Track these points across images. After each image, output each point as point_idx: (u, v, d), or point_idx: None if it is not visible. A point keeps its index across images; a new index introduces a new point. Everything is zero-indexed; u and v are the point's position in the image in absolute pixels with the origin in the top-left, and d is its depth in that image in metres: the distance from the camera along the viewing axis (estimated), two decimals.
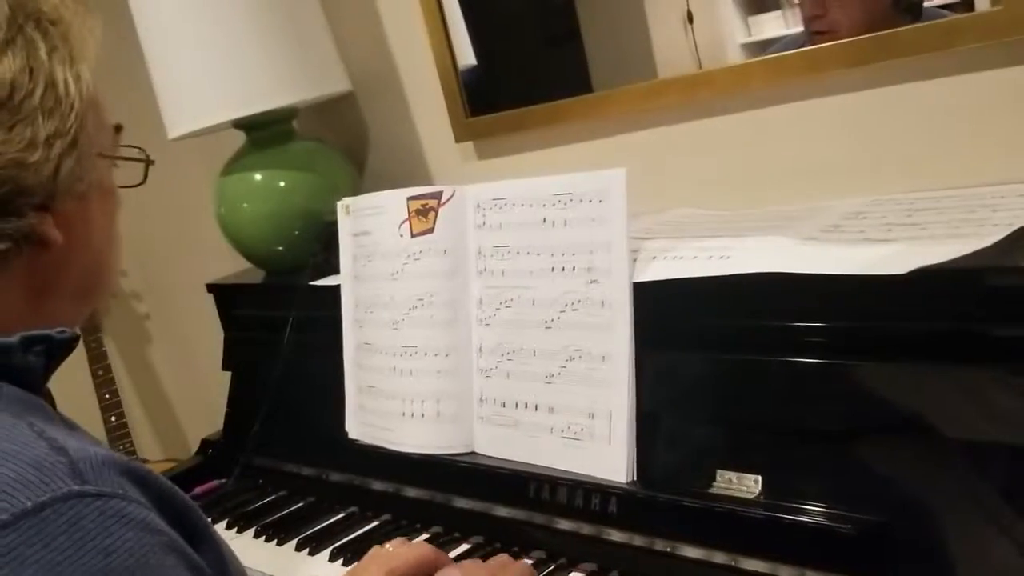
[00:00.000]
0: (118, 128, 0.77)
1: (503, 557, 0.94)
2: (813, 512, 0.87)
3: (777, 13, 1.20)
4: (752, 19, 1.21)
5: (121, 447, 2.20)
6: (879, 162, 1.16)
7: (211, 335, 1.66)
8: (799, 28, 1.17)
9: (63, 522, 0.52)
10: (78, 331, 0.71)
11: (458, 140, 1.52)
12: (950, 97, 1.09)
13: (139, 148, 0.80)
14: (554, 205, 1.06)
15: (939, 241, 0.88)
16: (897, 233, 0.94)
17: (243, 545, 1.28)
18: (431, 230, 1.17)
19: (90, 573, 0.52)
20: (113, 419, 2.20)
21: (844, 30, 1.12)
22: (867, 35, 1.10)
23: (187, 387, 2.39)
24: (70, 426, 0.64)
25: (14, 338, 0.64)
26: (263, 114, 1.46)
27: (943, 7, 1.07)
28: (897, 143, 1.14)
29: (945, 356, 0.82)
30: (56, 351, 0.67)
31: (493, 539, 1.12)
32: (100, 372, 2.20)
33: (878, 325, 0.87)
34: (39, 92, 0.64)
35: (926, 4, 1.07)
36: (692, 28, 1.24)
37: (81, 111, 0.67)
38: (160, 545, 0.57)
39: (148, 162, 0.82)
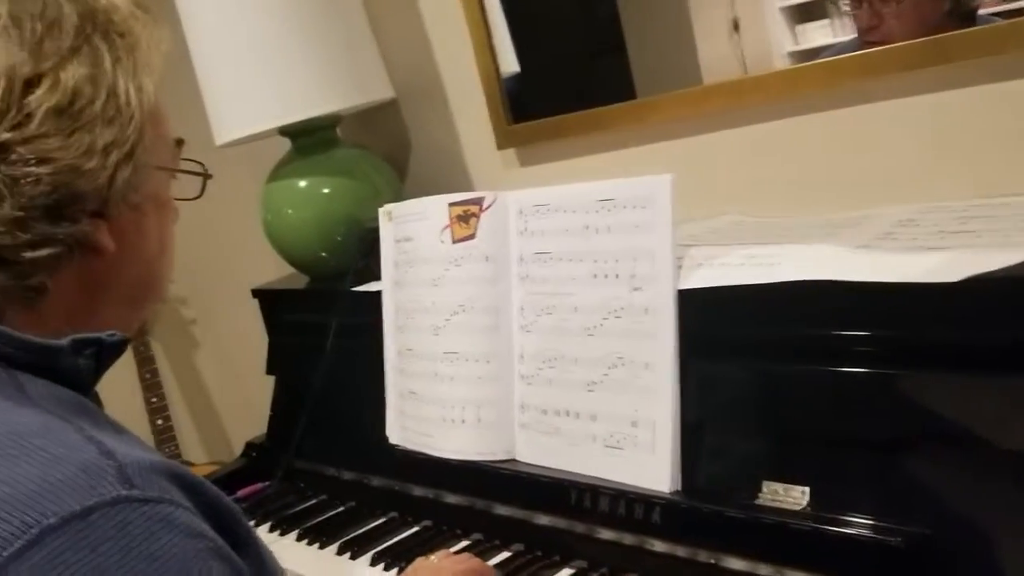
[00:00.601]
0: (179, 142, 0.78)
1: None
2: (861, 524, 0.85)
3: (825, 22, 1.18)
4: (799, 28, 1.20)
5: (167, 450, 2.24)
6: (931, 169, 1.13)
7: (256, 340, 1.68)
8: (847, 37, 1.16)
9: (110, 527, 0.53)
10: (128, 335, 0.72)
11: (500, 147, 1.52)
12: (1005, 103, 1.06)
13: (198, 162, 0.81)
14: (597, 211, 1.06)
15: (993, 249, 0.86)
16: (950, 241, 0.92)
17: (285, 548, 1.29)
18: (472, 236, 1.17)
19: None
20: (159, 422, 2.24)
21: (899, 40, 1.10)
22: (921, 39, 1.08)
23: (232, 391, 2.42)
24: (118, 429, 0.64)
25: (65, 341, 0.65)
26: (308, 121, 1.47)
27: (996, 15, 1.05)
28: (950, 149, 1.11)
29: (998, 366, 0.80)
30: (106, 354, 0.68)
31: (534, 547, 1.11)
32: (147, 376, 2.23)
33: (930, 334, 0.85)
34: (100, 101, 0.65)
35: (980, 11, 1.05)
36: (739, 36, 1.23)
37: (140, 123, 0.68)
38: (205, 551, 0.57)
39: (206, 176, 0.82)
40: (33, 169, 0.62)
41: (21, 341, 0.63)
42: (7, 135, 0.62)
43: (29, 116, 0.62)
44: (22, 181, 0.62)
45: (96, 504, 0.53)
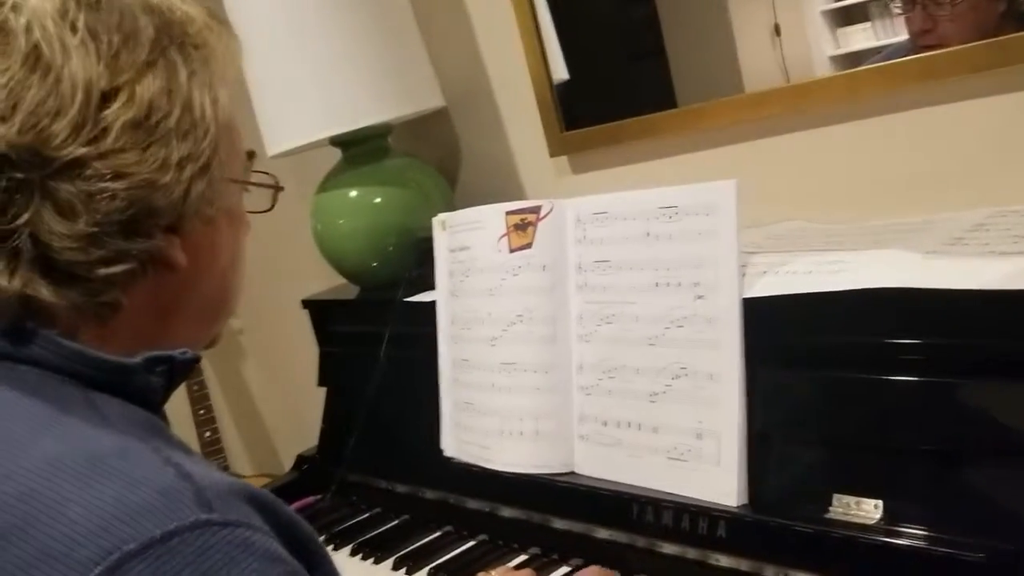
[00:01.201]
0: (251, 154, 0.77)
1: None
2: (939, 539, 0.82)
3: (866, 25, 1.16)
4: (840, 31, 1.18)
5: (215, 462, 2.24)
6: (995, 172, 1.10)
7: (305, 351, 1.68)
8: (889, 40, 1.13)
9: (190, 552, 0.52)
10: (199, 352, 0.71)
11: (552, 154, 1.50)
12: None
13: (269, 174, 0.80)
14: (658, 219, 1.04)
15: None
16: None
17: (340, 562, 1.25)
18: (530, 245, 1.16)
19: None
20: (207, 434, 2.24)
21: (953, 43, 1.08)
22: (980, 42, 1.06)
23: (280, 403, 2.42)
24: (187, 450, 0.63)
25: (138, 359, 0.64)
26: (360, 131, 1.47)
27: None
28: (1014, 152, 1.08)
29: None
30: (177, 372, 0.67)
31: (594, 561, 1.09)
32: (195, 388, 2.24)
33: (1008, 343, 0.82)
34: (176, 114, 0.65)
35: None
36: (780, 41, 1.21)
37: (215, 136, 0.67)
38: (283, 574, 0.56)
39: (277, 188, 0.82)
40: (109, 184, 0.61)
41: (95, 360, 0.63)
42: (83, 150, 0.61)
43: (105, 130, 0.62)
44: (97, 196, 0.61)
45: (176, 529, 0.52)
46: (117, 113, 0.62)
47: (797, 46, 1.21)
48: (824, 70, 1.19)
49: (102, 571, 0.50)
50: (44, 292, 0.61)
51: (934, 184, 1.15)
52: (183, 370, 0.68)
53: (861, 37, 1.16)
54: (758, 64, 1.24)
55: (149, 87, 0.63)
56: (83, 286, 0.62)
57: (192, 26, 0.68)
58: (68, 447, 0.56)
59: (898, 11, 1.13)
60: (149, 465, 0.56)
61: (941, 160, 1.14)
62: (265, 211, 0.80)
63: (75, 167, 0.61)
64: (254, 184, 0.77)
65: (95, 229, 0.61)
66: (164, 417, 0.69)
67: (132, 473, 0.54)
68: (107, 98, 0.62)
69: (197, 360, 0.69)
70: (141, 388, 0.64)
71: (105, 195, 0.61)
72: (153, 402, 0.66)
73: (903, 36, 1.13)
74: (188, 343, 0.69)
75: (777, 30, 1.21)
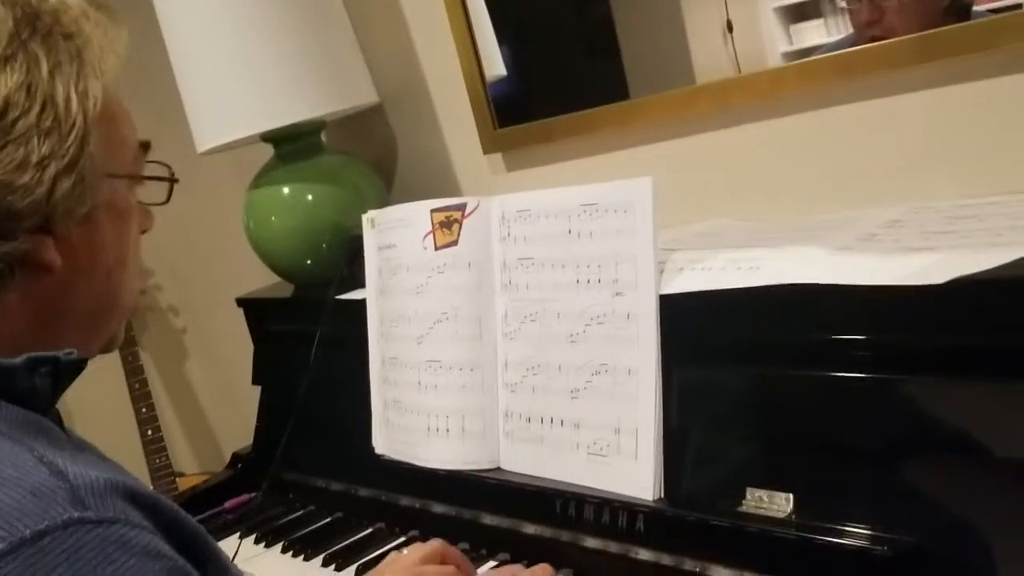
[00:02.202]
0: (145, 145, 0.74)
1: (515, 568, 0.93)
2: (848, 533, 0.84)
3: (819, 21, 1.17)
4: (793, 27, 1.19)
5: (157, 460, 2.22)
6: (918, 169, 1.12)
7: (245, 349, 1.66)
8: (841, 35, 1.14)
9: (62, 551, 0.51)
10: (89, 354, 0.69)
11: (486, 151, 1.50)
12: (995, 100, 1.05)
13: (164, 165, 0.77)
14: (579, 216, 1.04)
15: (980, 250, 0.84)
16: (936, 242, 0.91)
17: (270, 560, 1.28)
18: (455, 243, 1.16)
19: None
20: (149, 432, 2.22)
21: (900, 35, 1.08)
22: (906, 36, 1.07)
23: (223, 401, 2.40)
24: (79, 447, 0.63)
25: (19, 360, 0.63)
26: (291, 127, 1.46)
27: (992, 11, 1.03)
28: (936, 149, 1.10)
29: (985, 370, 0.79)
30: (63, 373, 0.66)
31: (520, 556, 1.10)
32: (137, 386, 2.22)
33: (914, 338, 0.84)
34: (35, 111, 0.61)
35: (974, 8, 1.04)
36: (732, 38, 1.22)
37: (83, 131, 0.64)
38: (164, 571, 0.56)
39: (172, 180, 0.78)
40: None
41: None
42: None
43: None
44: None
45: (47, 528, 0.51)
46: None
47: (750, 42, 1.21)
48: (776, 66, 1.19)
49: None
50: None
51: (861, 181, 1.16)
52: (69, 371, 0.66)
53: (814, 33, 1.17)
54: (710, 61, 1.24)
55: (4, 83, 0.61)
56: None
57: (66, 15, 0.65)
58: None
59: (844, 3, 1.14)
60: (22, 465, 0.55)
61: (867, 157, 1.15)
62: (161, 203, 0.77)
63: None
64: (142, 177, 0.73)
65: None
66: (57, 416, 0.68)
67: (3, 473, 0.54)
68: None
69: (83, 361, 0.67)
70: (24, 390, 0.63)
71: None
72: (40, 403, 0.64)
73: (851, 30, 1.14)
74: (78, 345, 0.68)
75: (729, 26, 1.22)
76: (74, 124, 0.63)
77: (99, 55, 0.66)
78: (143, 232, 0.76)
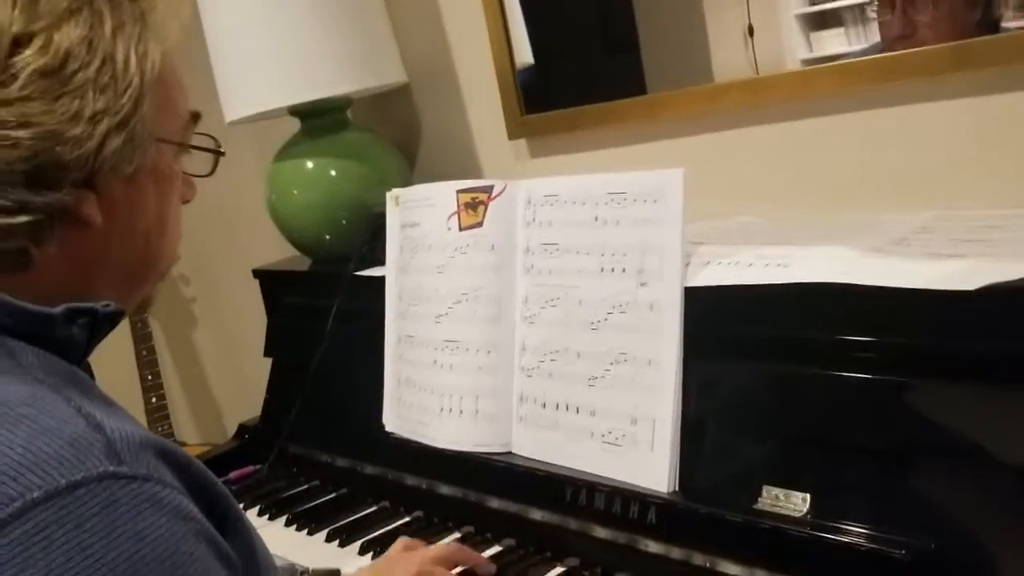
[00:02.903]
0: (195, 116, 0.75)
1: None
2: (864, 535, 0.84)
3: (840, 30, 1.17)
4: (814, 35, 1.19)
5: (160, 428, 2.22)
6: (949, 176, 1.11)
7: (255, 321, 1.66)
8: (862, 45, 1.14)
9: (96, 503, 0.51)
10: (125, 308, 0.70)
11: (511, 137, 1.50)
12: None
13: (212, 137, 0.78)
14: (607, 204, 1.04)
15: (1010, 259, 0.84)
16: (965, 249, 0.90)
17: (274, 532, 1.27)
18: (480, 224, 1.16)
19: (121, 558, 0.51)
20: (154, 400, 2.22)
21: (930, 42, 1.08)
22: (940, 45, 1.06)
23: (228, 372, 2.40)
24: (108, 403, 0.62)
25: (58, 309, 0.63)
26: (319, 102, 1.46)
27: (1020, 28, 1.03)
28: (967, 158, 1.10)
29: (1007, 377, 0.79)
30: (100, 325, 0.66)
31: (526, 543, 1.10)
32: (144, 352, 2.22)
33: (941, 343, 0.84)
34: (95, 66, 0.62)
35: (1002, 24, 1.03)
36: (752, 42, 1.22)
37: (139, 91, 0.64)
38: (192, 532, 0.56)
39: (218, 153, 0.78)
40: (11, 132, 0.59)
41: (13, 306, 0.61)
42: None
43: (13, 76, 0.59)
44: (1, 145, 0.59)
45: (83, 479, 0.51)
46: (28, 60, 0.60)
47: (770, 47, 1.21)
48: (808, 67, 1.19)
49: (5, 517, 0.49)
50: None
51: (887, 186, 1.16)
52: (106, 323, 0.66)
53: (834, 42, 1.17)
54: (730, 63, 1.24)
55: (68, 35, 0.61)
56: None
57: None
58: None
59: (874, 14, 1.13)
60: (60, 415, 0.55)
61: (895, 162, 1.15)
62: (206, 175, 0.77)
63: None
64: (190, 146, 0.74)
65: None
66: (88, 370, 0.68)
67: (41, 421, 0.54)
68: (19, 44, 0.60)
69: (121, 313, 0.68)
70: (61, 339, 0.63)
71: (7, 143, 0.59)
72: (75, 354, 0.64)
73: (875, 40, 1.13)
74: (113, 301, 0.68)
75: (751, 30, 1.22)
76: (130, 84, 0.64)
77: (162, 20, 0.67)
78: (185, 202, 0.76)
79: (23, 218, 0.61)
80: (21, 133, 0.59)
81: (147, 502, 0.53)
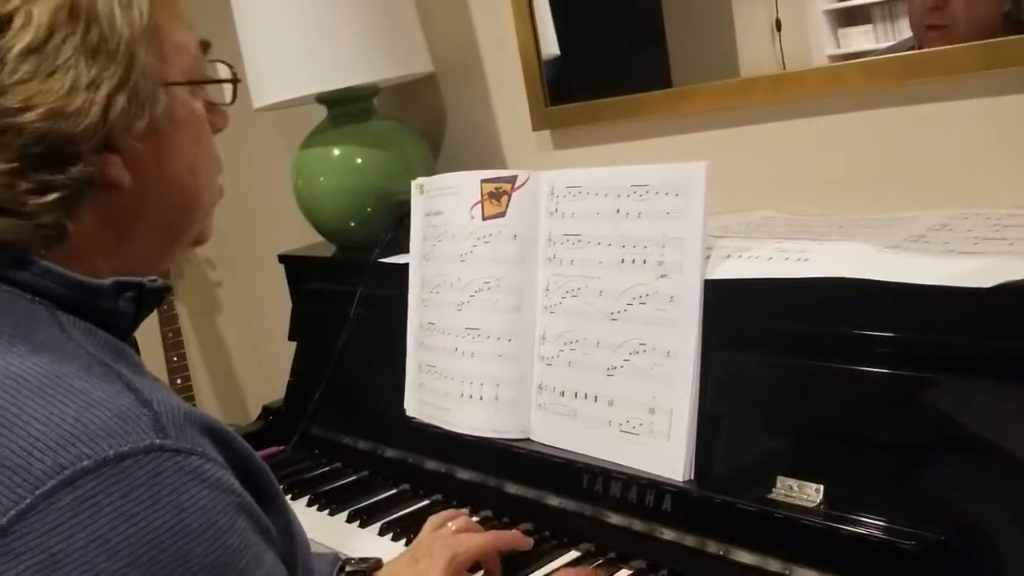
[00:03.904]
0: (204, 45, 0.72)
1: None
2: (875, 525, 0.85)
3: (868, 27, 1.17)
4: (842, 31, 1.19)
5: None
6: (968, 175, 1.12)
7: (279, 306, 1.69)
8: (888, 43, 1.14)
9: (143, 474, 0.53)
10: (167, 267, 0.71)
11: (536, 128, 1.51)
12: None
13: (226, 64, 0.75)
14: (629, 196, 1.05)
15: None
16: (984, 247, 0.91)
17: (296, 511, 1.29)
18: (503, 214, 1.17)
19: (164, 528, 0.53)
20: (179, 381, 2.26)
21: (961, 27, 1.07)
22: (965, 44, 1.07)
23: (252, 355, 2.44)
24: (153, 378, 0.64)
25: (107, 281, 0.64)
26: (346, 90, 1.48)
27: None
28: (988, 157, 1.10)
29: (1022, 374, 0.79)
30: (146, 300, 0.67)
31: (542, 528, 1.12)
32: (170, 335, 2.25)
33: (957, 339, 0.84)
34: (80, 32, 0.60)
35: None
36: (780, 37, 1.22)
37: (131, 45, 0.62)
38: (233, 506, 0.57)
39: (235, 81, 0.75)
40: (14, 120, 0.58)
41: (63, 276, 0.62)
42: None
43: (2, 62, 0.58)
44: (8, 133, 0.58)
45: (130, 451, 0.53)
46: (12, 41, 0.58)
47: (797, 43, 1.22)
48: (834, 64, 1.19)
49: (56, 484, 0.51)
50: None
51: (908, 183, 1.16)
52: (152, 298, 0.67)
53: (862, 39, 1.17)
54: (757, 59, 1.25)
55: (46, 7, 0.59)
56: (19, 216, 0.60)
57: None
58: (32, 364, 0.57)
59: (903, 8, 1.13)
60: (110, 388, 0.56)
61: (917, 160, 1.15)
62: (228, 104, 0.75)
63: None
64: (201, 82, 0.71)
65: (15, 164, 0.59)
66: (134, 345, 0.69)
67: (92, 394, 0.55)
68: (0, 27, 0.58)
69: (167, 289, 0.69)
70: (109, 312, 0.64)
71: (13, 130, 0.58)
72: (121, 328, 0.65)
73: (904, 37, 1.14)
74: (158, 256, 0.69)
75: (778, 25, 1.22)
76: (121, 40, 0.61)
77: None
78: (217, 131, 0.74)
79: (52, 196, 0.60)
80: (25, 118, 0.58)
81: (190, 474, 0.55)
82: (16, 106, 0.58)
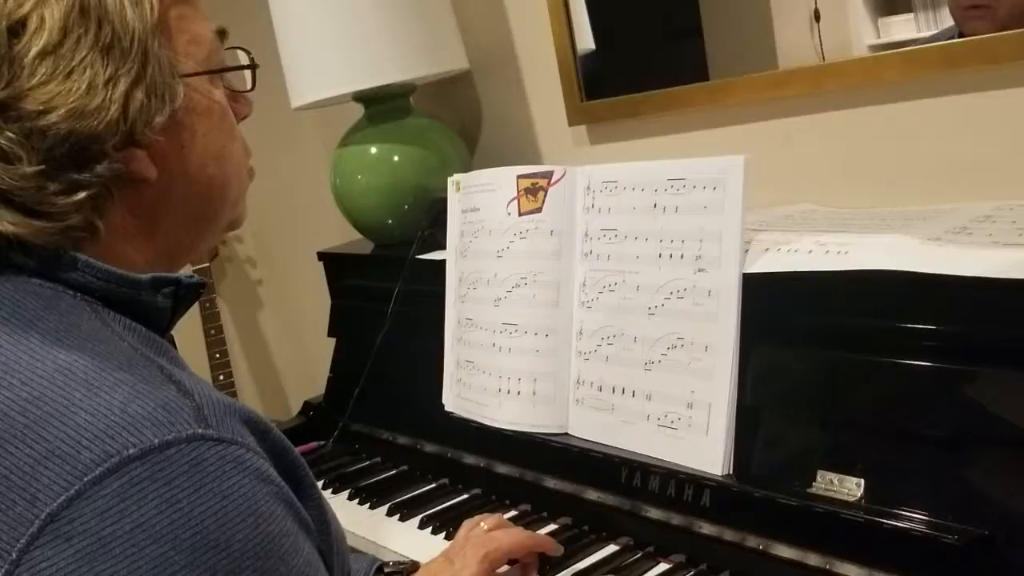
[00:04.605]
0: (221, 33, 0.72)
1: None
2: (917, 520, 0.84)
3: (909, 16, 1.15)
4: (882, 21, 1.17)
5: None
6: (1013, 166, 1.10)
7: (318, 303, 1.71)
8: (931, 31, 1.13)
9: (185, 462, 0.54)
10: (202, 278, 0.72)
11: (571, 123, 1.51)
12: None
13: (244, 50, 0.75)
14: (666, 190, 1.05)
15: None
16: None
17: (337, 505, 1.31)
18: (539, 210, 1.17)
19: (207, 514, 0.54)
20: (221, 377, 2.29)
21: (1004, 7, 1.06)
22: (1008, 32, 1.05)
23: (292, 352, 2.47)
24: (189, 371, 0.66)
25: (145, 277, 0.65)
26: (383, 88, 1.49)
27: None
28: None
29: None
30: (183, 295, 0.68)
31: (581, 522, 1.12)
32: (212, 332, 2.29)
33: (998, 331, 0.83)
34: (92, 31, 0.60)
35: None
36: (819, 27, 1.21)
37: (144, 40, 0.62)
38: (272, 495, 0.58)
39: (252, 67, 0.75)
40: (37, 123, 0.59)
41: (103, 271, 0.63)
42: (2, 93, 0.58)
43: (21, 67, 0.59)
44: (33, 137, 0.59)
45: (174, 439, 0.55)
46: (28, 45, 0.59)
47: (836, 33, 1.20)
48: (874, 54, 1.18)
49: (103, 471, 0.53)
50: (8, 226, 0.61)
51: (951, 175, 1.15)
52: (189, 294, 0.69)
53: (903, 28, 1.15)
54: (795, 49, 1.24)
55: (57, 8, 0.59)
56: (48, 217, 0.61)
57: None
58: (78, 357, 0.58)
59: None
60: (153, 380, 0.58)
61: (960, 151, 1.14)
62: (247, 91, 0.76)
63: (1, 113, 0.59)
64: (218, 71, 0.71)
65: (42, 167, 0.60)
66: (171, 341, 0.71)
67: (136, 385, 0.57)
68: (14, 32, 0.59)
69: (203, 285, 0.70)
70: (148, 307, 0.65)
71: (37, 133, 0.59)
72: (159, 324, 0.67)
73: (946, 25, 1.12)
74: (195, 241, 0.70)
75: (817, 15, 1.21)
76: (134, 35, 0.62)
77: None
78: (242, 118, 0.75)
79: (81, 195, 0.61)
80: (48, 120, 0.59)
81: (232, 463, 0.56)
82: (39, 109, 0.59)
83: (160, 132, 0.64)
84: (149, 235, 0.68)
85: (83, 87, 0.60)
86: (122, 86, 0.61)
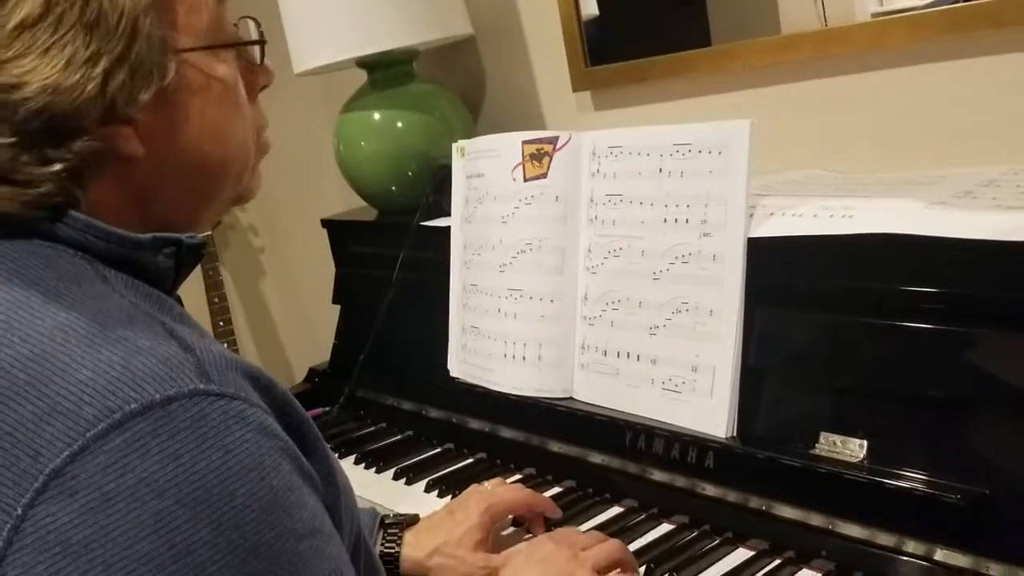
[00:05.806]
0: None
1: (598, 535, 0.95)
2: (919, 480, 0.85)
3: None
4: None
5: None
6: (1017, 130, 1.10)
7: (322, 270, 1.71)
8: None
9: (188, 417, 0.54)
10: (205, 231, 0.71)
11: (575, 89, 1.51)
12: None
13: (252, 19, 0.72)
14: (672, 155, 1.05)
15: None
16: None
17: (344, 469, 1.33)
18: (544, 175, 1.18)
19: (210, 468, 0.54)
20: (224, 345, 2.29)
21: None
22: None
23: (296, 319, 2.47)
24: (193, 326, 0.65)
25: (146, 236, 0.65)
26: (386, 54, 1.48)
27: None
28: None
29: None
30: (185, 256, 0.68)
31: (585, 484, 1.13)
32: (216, 300, 2.30)
33: (1000, 293, 0.84)
34: (78, 6, 0.58)
35: None
36: None
37: (133, 16, 0.60)
38: (276, 449, 0.58)
39: (259, 43, 0.72)
40: (11, 96, 0.58)
41: (104, 230, 0.63)
42: None
43: None
44: (5, 109, 0.58)
45: (176, 395, 0.54)
46: (7, 16, 0.57)
47: (840, 1, 1.20)
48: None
49: (105, 427, 0.53)
50: None
51: (955, 139, 1.15)
52: (191, 255, 0.68)
53: None
54: (798, 16, 1.23)
55: None
56: (19, 183, 0.60)
57: None
58: (79, 314, 0.58)
59: None
60: (154, 335, 0.58)
61: (963, 115, 1.14)
62: (257, 64, 0.73)
63: None
64: (219, 46, 0.68)
65: (14, 139, 0.59)
66: (177, 299, 0.70)
67: (137, 342, 0.57)
68: None
69: (204, 245, 0.69)
70: (149, 266, 0.65)
71: (9, 106, 0.58)
72: (162, 284, 0.66)
73: None
74: (194, 217, 0.69)
75: None
76: (122, 13, 0.60)
77: None
78: (261, 89, 0.73)
79: (56, 167, 0.60)
80: (20, 94, 0.58)
81: (234, 418, 0.56)
82: (11, 83, 0.58)
83: (147, 109, 0.62)
84: (141, 210, 0.66)
85: (60, 64, 0.58)
86: (103, 64, 0.59)
